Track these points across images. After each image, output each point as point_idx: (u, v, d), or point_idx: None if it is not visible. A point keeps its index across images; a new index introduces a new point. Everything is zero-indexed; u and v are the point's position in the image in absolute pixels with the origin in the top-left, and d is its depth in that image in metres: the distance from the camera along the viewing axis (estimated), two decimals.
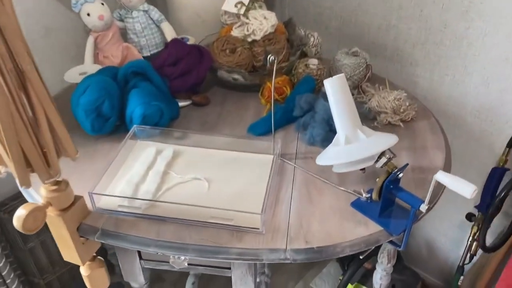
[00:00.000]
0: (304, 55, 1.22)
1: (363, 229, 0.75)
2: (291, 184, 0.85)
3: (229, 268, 0.84)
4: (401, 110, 1.02)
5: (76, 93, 0.92)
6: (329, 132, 0.92)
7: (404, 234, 0.74)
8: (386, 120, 1.02)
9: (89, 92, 0.90)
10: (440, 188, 0.79)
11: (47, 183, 0.68)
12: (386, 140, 0.76)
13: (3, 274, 1.20)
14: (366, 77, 1.15)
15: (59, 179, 0.69)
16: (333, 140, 0.81)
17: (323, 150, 0.83)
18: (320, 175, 0.86)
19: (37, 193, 0.80)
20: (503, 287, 1.10)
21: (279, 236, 0.73)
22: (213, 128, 1.03)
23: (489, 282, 1.28)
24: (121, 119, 0.98)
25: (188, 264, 0.82)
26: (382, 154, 0.75)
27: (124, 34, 1.22)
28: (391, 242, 0.77)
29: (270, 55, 0.85)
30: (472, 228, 1.26)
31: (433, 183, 0.68)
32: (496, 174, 1.19)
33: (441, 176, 0.67)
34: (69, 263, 0.87)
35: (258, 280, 1.06)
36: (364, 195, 0.79)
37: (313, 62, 1.12)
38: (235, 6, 1.14)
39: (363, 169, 0.79)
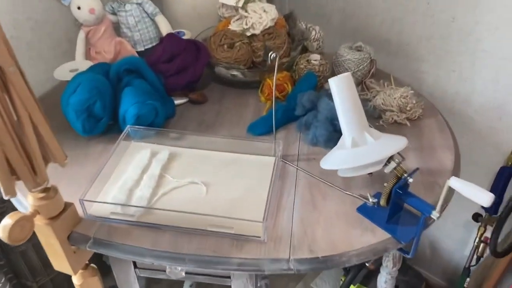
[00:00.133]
0: (305, 50, 1.18)
1: (370, 237, 0.71)
2: (293, 188, 0.81)
3: (229, 277, 0.80)
4: (408, 108, 0.98)
5: (66, 92, 0.87)
6: (333, 133, 0.88)
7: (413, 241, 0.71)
8: (392, 118, 0.98)
9: (80, 91, 0.86)
10: (450, 192, 0.75)
11: (35, 191, 0.64)
12: (395, 143, 0.72)
13: None
14: (370, 73, 1.11)
15: (48, 186, 0.65)
16: (339, 143, 0.77)
17: (326, 151, 0.79)
18: (324, 178, 0.82)
19: (26, 199, 0.76)
20: None
21: (282, 245, 0.69)
22: (211, 128, 0.98)
23: (496, 283, 1.25)
24: (114, 119, 0.93)
25: (186, 273, 0.78)
26: (391, 158, 0.71)
27: (117, 29, 1.18)
28: (399, 249, 0.74)
29: (272, 52, 0.81)
30: (478, 229, 1.23)
31: (445, 189, 0.64)
32: (505, 173, 1.15)
33: (455, 183, 0.63)
34: None
35: (258, 284, 1.03)
36: (370, 200, 0.74)
37: (315, 58, 1.08)
38: None
39: (371, 172, 0.75)
